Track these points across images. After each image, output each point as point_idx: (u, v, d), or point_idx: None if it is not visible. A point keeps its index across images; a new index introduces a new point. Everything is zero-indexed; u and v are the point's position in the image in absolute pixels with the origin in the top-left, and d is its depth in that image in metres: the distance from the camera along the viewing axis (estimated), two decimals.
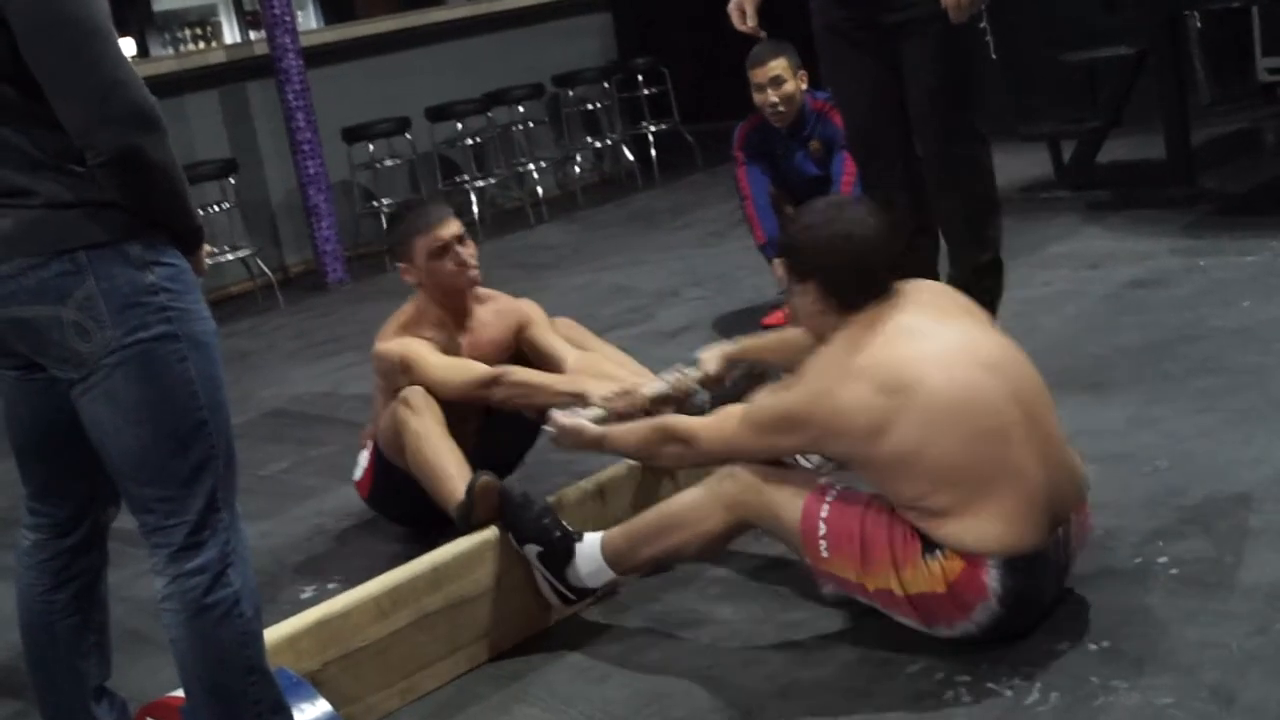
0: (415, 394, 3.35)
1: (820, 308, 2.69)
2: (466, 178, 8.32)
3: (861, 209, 2.73)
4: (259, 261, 7.42)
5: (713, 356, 3.24)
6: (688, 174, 8.91)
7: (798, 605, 2.89)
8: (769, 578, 3.03)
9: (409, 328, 3.54)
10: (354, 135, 7.74)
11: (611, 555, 2.88)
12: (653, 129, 9.08)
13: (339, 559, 3.63)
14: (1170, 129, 6.13)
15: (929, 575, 2.52)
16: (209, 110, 7.62)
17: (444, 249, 3.46)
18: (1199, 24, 7.37)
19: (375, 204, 7.92)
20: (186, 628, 2.16)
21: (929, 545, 2.53)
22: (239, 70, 7.73)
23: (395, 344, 3.49)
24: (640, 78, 8.98)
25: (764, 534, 2.89)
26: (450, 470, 3.19)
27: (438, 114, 8.08)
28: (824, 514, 2.63)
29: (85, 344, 2.08)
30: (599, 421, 3.10)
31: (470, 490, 2.95)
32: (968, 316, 2.72)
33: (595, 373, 3.43)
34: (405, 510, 3.60)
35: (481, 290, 3.64)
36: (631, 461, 3.26)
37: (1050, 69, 7.23)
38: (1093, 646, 2.54)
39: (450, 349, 3.52)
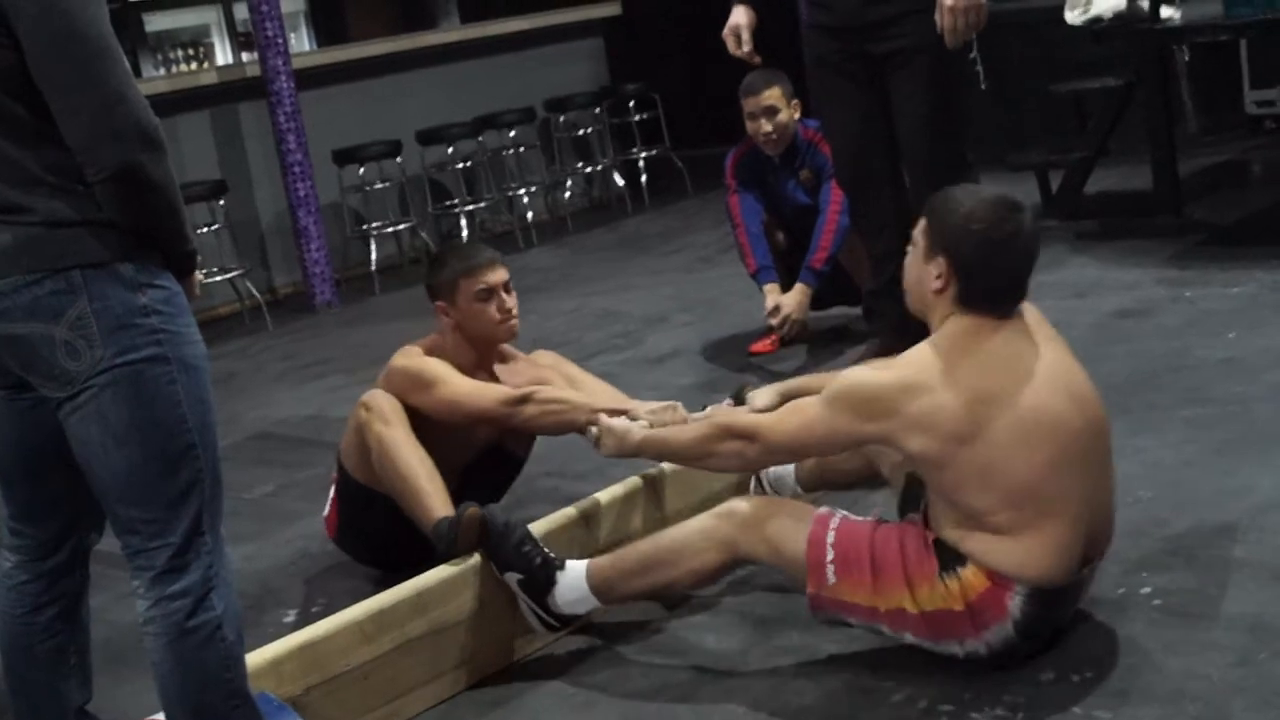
0: (382, 401, 3.26)
1: (939, 286, 2.59)
2: (456, 201, 8.32)
3: (1027, 216, 2.62)
4: (247, 283, 7.40)
5: (764, 393, 3.12)
6: (678, 199, 8.93)
7: (782, 632, 2.88)
8: (753, 604, 3.03)
9: (432, 353, 3.44)
10: (344, 158, 7.75)
11: (598, 584, 2.87)
12: (643, 154, 9.10)
13: (323, 583, 3.61)
14: (1158, 160, 6.15)
15: (946, 593, 2.52)
16: (200, 131, 7.62)
17: (489, 293, 3.38)
18: (1187, 56, 7.42)
19: (365, 227, 7.92)
20: (168, 651, 2.16)
21: (946, 564, 2.53)
22: (230, 91, 7.73)
23: (420, 360, 3.38)
24: (631, 103, 9.00)
25: (756, 567, 2.89)
26: (424, 485, 3.13)
27: (429, 137, 8.09)
28: (831, 539, 2.63)
29: (74, 363, 2.09)
30: None
31: (455, 522, 2.93)
32: (1060, 344, 2.68)
33: None
34: (372, 545, 3.51)
35: (505, 347, 3.54)
36: (617, 489, 3.25)
37: (1039, 99, 7.27)
38: (1076, 677, 2.54)
39: None
